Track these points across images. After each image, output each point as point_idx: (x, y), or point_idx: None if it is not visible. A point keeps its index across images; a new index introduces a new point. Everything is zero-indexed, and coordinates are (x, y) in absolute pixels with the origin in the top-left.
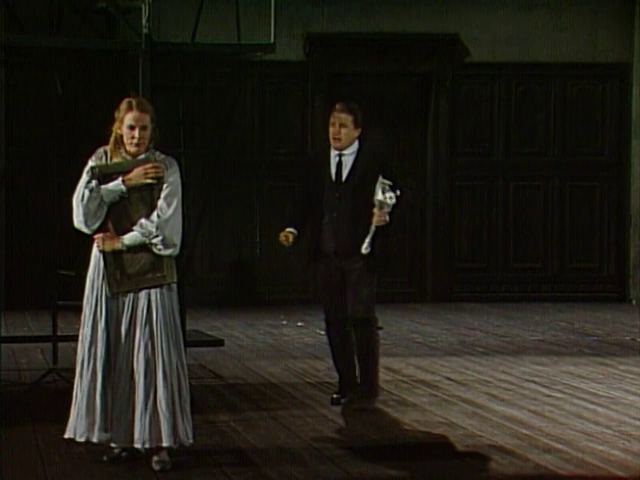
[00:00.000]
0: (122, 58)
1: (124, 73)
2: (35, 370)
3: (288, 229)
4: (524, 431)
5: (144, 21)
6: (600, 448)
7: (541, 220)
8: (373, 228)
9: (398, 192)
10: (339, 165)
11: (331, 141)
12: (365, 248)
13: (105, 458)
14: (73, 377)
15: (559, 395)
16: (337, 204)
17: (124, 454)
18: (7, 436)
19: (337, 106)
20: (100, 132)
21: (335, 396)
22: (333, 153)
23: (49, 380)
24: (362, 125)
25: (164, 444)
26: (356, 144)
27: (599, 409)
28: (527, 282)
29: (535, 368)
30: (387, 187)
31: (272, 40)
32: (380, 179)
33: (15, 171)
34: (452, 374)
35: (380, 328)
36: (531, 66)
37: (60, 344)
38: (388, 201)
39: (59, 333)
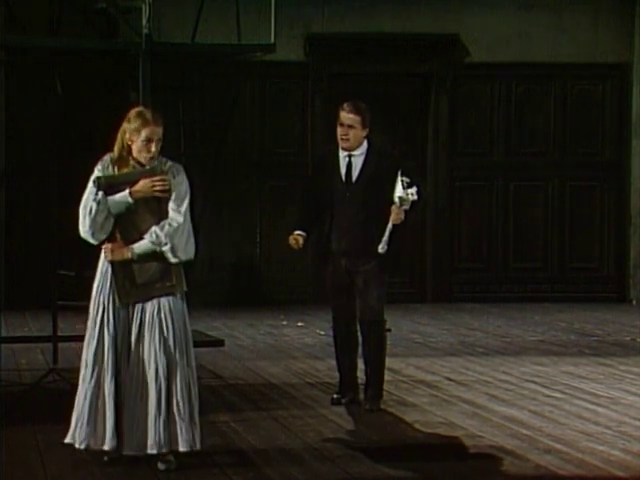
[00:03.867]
0: (122, 58)
1: (124, 73)
2: (35, 370)
3: (297, 232)
4: (524, 431)
5: (144, 21)
6: (600, 448)
7: (541, 220)
8: (390, 226)
9: (416, 188)
10: (349, 166)
11: (339, 141)
12: (382, 247)
13: (105, 459)
14: (74, 378)
15: (559, 395)
16: (347, 204)
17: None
18: (7, 436)
19: (345, 106)
20: (100, 132)
21: (335, 396)
22: (342, 154)
23: (49, 380)
24: (370, 125)
25: (181, 449)
26: (365, 144)
27: (599, 409)
28: (527, 282)
29: (535, 368)
30: (406, 184)
31: (272, 40)
32: (399, 176)
33: (15, 171)
34: (452, 374)
35: (389, 330)
36: (531, 66)
37: (60, 344)
38: (410, 197)
39: (59, 333)
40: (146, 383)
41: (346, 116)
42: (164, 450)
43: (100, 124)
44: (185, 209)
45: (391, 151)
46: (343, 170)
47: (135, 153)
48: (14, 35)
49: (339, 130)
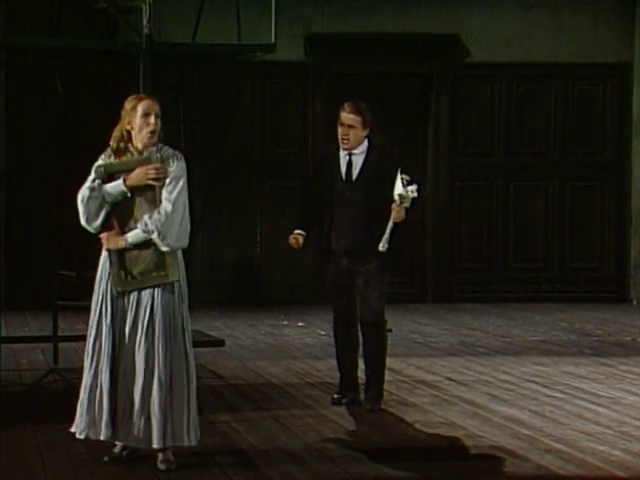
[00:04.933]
0: (123, 58)
1: (125, 73)
2: (36, 370)
3: (297, 231)
4: (525, 431)
5: (145, 21)
6: (601, 448)
7: (541, 220)
8: (391, 224)
9: (416, 186)
10: (349, 164)
11: (340, 142)
12: (382, 246)
13: (106, 458)
14: (74, 377)
15: (560, 395)
16: (348, 203)
17: (124, 454)
18: (7, 436)
19: (345, 106)
20: (100, 132)
21: (336, 396)
22: (343, 153)
23: (50, 380)
24: (371, 125)
25: (154, 445)
26: (365, 143)
27: (600, 409)
28: (527, 282)
29: (536, 368)
30: (406, 181)
31: (273, 40)
32: (399, 174)
33: (15, 171)
34: (453, 374)
35: (389, 330)
36: (531, 66)
37: (61, 344)
38: (410, 194)
39: (60, 333)
40: (135, 376)
41: (346, 116)
42: (142, 445)
43: (100, 124)
44: (176, 197)
45: (391, 150)
46: (343, 169)
47: (135, 136)
48: (14, 35)
49: (340, 130)
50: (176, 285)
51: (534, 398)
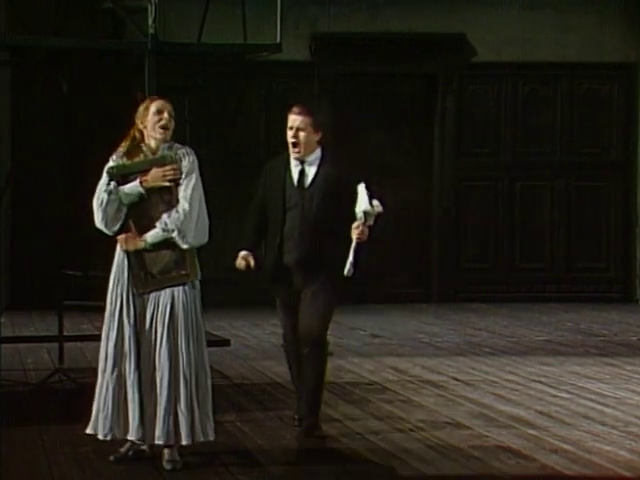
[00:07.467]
0: (128, 58)
1: (130, 73)
2: (41, 370)
3: (243, 253)
4: (530, 431)
5: (150, 21)
6: (607, 448)
7: (547, 220)
8: (355, 245)
9: (378, 201)
10: (302, 172)
11: (290, 149)
12: (348, 270)
13: (112, 458)
14: (79, 377)
15: (565, 395)
16: (299, 213)
17: (130, 453)
18: (13, 436)
19: (294, 108)
20: (106, 132)
21: (296, 418)
22: (294, 162)
23: (55, 380)
24: (324, 128)
25: (183, 442)
26: (318, 152)
27: (606, 409)
28: (533, 282)
29: (541, 368)
30: (368, 197)
31: (278, 40)
32: (360, 189)
33: (21, 171)
34: (458, 374)
35: (330, 354)
36: (537, 66)
37: (66, 344)
38: (375, 210)
39: (65, 333)
40: (158, 374)
41: (294, 118)
42: (171, 442)
43: (105, 124)
44: (191, 193)
45: (346, 162)
46: (295, 176)
47: (148, 133)
48: (20, 36)
49: (288, 134)
50: (196, 283)
51: (540, 398)
